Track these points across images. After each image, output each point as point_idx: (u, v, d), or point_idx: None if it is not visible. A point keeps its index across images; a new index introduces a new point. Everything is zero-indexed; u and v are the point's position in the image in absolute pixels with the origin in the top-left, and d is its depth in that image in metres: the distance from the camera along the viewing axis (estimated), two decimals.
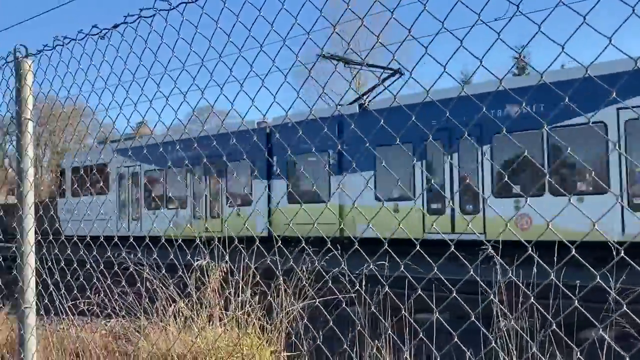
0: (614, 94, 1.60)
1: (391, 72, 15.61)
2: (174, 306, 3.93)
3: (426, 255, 2.36)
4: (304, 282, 3.93)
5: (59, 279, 3.57)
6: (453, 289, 2.01)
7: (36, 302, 2.90)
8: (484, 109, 2.00)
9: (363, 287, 3.57)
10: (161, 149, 3.00)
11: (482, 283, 2.26)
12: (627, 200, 11.04)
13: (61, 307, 3.77)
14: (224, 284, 4.12)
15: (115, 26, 2.42)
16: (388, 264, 3.31)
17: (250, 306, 4.03)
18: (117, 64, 2.65)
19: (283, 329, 3.92)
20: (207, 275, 4.10)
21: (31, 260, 2.82)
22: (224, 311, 4.04)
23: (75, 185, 17.59)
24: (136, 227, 19.23)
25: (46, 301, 3.49)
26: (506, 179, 11.67)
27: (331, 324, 2.61)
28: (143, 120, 3.25)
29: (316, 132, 2.97)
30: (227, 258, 4.12)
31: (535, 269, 2.48)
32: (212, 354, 3.71)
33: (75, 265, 3.63)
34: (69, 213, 15.02)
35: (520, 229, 11.23)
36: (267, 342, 3.94)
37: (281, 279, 3.94)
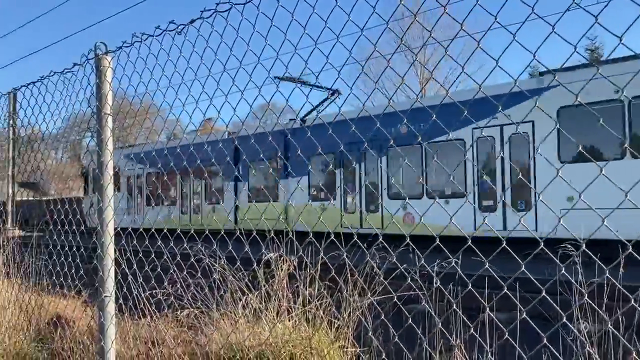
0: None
1: (332, 91, 18.05)
2: (245, 298, 3.98)
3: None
4: (375, 278, 3.89)
5: (136, 269, 3.68)
6: (504, 285, 1.94)
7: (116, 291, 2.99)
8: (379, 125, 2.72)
9: (436, 284, 3.51)
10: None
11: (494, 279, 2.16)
12: (478, 203, 13.95)
13: (138, 296, 3.89)
14: (293, 278, 4.14)
15: (192, 21, 2.46)
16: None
17: (318, 300, 4.04)
18: (193, 59, 2.69)
19: (351, 325, 3.90)
20: (276, 268, 4.13)
21: (111, 250, 2.91)
22: (292, 305, 4.07)
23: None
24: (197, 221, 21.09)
25: (125, 290, 3.62)
26: (395, 184, 15.47)
27: (409, 321, 2.55)
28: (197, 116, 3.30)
29: (267, 143, 3.35)
30: (295, 252, 4.15)
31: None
32: (281, 346, 3.74)
33: (138, 256, 3.75)
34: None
35: (406, 224, 13.97)
36: (335, 337, 3.94)
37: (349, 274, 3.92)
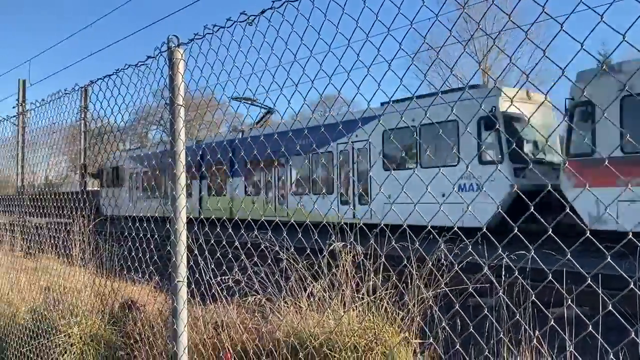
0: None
1: (267, 109, 21.47)
2: (311, 286, 4.03)
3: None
4: (440, 270, 3.85)
5: (207, 255, 3.79)
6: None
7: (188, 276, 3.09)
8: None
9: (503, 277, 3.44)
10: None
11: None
12: (339, 198, 20.15)
13: (207, 282, 4.01)
14: (358, 268, 4.15)
15: (263, 12, 2.49)
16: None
17: (381, 291, 4.04)
18: (264, 49, 2.73)
19: (417, 316, 3.88)
20: (340, 258, 4.15)
21: (183, 237, 3.00)
22: (356, 295, 4.09)
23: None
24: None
25: (197, 276, 3.74)
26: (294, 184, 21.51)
27: (483, 316, 2.51)
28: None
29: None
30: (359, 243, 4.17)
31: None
32: (346, 336, 3.77)
33: (204, 244, 3.86)
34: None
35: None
36: (398, 328, 3.93)
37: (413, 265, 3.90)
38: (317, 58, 2.50)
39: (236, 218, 3.87)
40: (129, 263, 4.87)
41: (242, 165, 20.37)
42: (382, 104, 14.46)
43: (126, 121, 4.43)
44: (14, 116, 6.04)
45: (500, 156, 14.91)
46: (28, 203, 6.10)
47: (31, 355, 4.88)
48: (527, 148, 15.59)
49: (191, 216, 3.35)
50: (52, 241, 5.63)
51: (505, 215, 2.31)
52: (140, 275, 5.10)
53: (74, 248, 5.98)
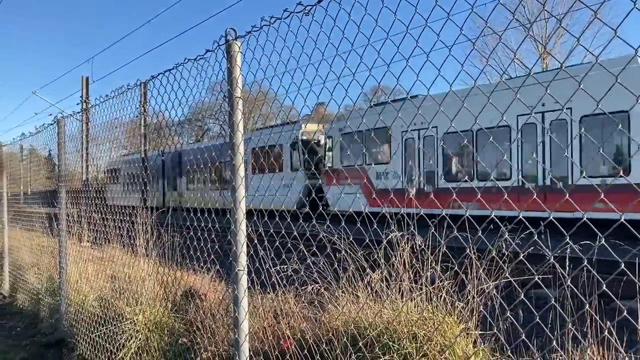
0: None
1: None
2: (368, 276, 4.03)
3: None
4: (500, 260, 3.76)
5: (267, 245, 3.84)
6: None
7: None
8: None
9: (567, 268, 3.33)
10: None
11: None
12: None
13: (266, 271, 4.07)
14: (416, 258, 4.12)
15: (320, 1, 2.49)
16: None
17: (440, 281, 3.99)
18: (320, 39, 2.73)
19: (476, 307, 3.82)
20: (397, 248, 4.13)
21: (243, 226, 3.05)
22: (414, 285, 4.06)
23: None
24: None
25: (257, 265, 3.80)
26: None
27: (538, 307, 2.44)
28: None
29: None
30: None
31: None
32: (403, 325, 3.75)
33: (259, 233, 3.91)
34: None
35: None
36: (458, 319, 3.88)
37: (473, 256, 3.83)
38: (374, 46, 2.49)
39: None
40: (191, 252, 5.00)
41: (184, 169, 30.10)
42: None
43: (186, 114, 4.55)
44: (79, 112, 6.29)
45: (299, 166, 24.37)
46: (94, 195, 6.35)
47: (100, 341, 5.09)
48: (314, 161, 22.93)
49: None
50: (117, 231, 5.84)
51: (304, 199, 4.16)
52: (201, 265, 5.23)
53: (137, 238, 6.19)
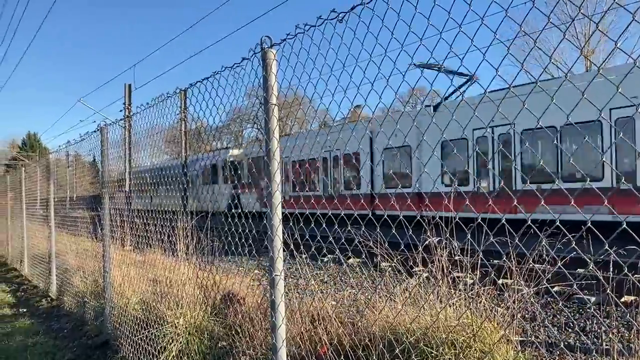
0: None
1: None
2: (406, 282, 4.00)
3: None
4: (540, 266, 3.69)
5: (303, 250, 3.87)
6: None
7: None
8: None
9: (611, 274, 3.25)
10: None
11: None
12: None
13: (303, 276, 4.09)
14: (453, 264, 4.08)
15: (353, 8, 2.50)
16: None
17: (478, 287, 3.95)
18: (354, 45, 2.74)
19: (516, 314, 3.76)
20: (435, 253, 4.09)
21: (280, 232, 3.08)
22: (452, 291, 4.02)
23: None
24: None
25: (294, 270, 3.84)
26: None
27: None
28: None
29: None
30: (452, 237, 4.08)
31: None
32: (442, 331, 3.71)
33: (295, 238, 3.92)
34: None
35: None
36: (497, 325, 3.82)
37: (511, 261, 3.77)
38: (407, 51, 2.48)
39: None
40: (229, 257, 5.06)
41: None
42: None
43: (223, 121, 4.63)
44: (121, 120, 6.46)
45: (229, 180, 30.44)
46: (136, 201, 6.50)
47: (142, 344, 5.20)
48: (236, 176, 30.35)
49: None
50: (158, 236, 5.96)
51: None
52: (239, 269, 5.29)
53: (178, 243, 6.31)
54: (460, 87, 18.07)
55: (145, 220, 5.95)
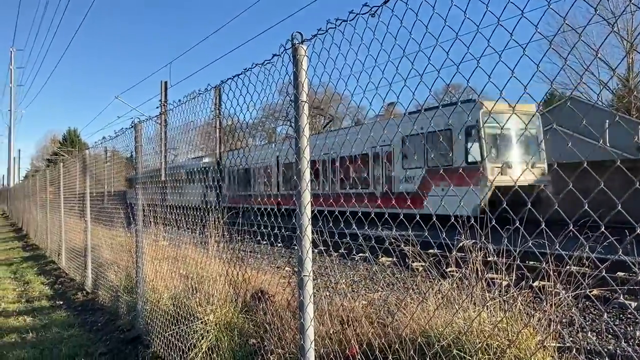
0: None
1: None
2: (439, 284, 3.90)
3: None
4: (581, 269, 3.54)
5: (332, 251, 3.80)
6: None
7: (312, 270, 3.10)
8: None
9: None
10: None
11: None
12: None
13: (332, 276, 4.03)
14: (488, 265, 3.95)
15: (386, 2, 2.42)
16: None
17: (514, 290, 3.82)
18: (387, 40, 2.66)
19: (554, 318, 3.61)
20: (470, 255, 3.98)
21: (309, 232, 3.02)
22: (486, 293, 3.90)
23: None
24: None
25: (323, 269, 3.77)
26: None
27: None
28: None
29: None
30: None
31: None
32: (476, 336, 3.60)
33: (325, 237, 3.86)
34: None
35: None
36: (534, 331, 3.68)
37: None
38: (443, 47, 2.39)
39: None
40: (259, 254, 5.04)
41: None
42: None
43: (254, 118, 4.56)
44: (155, 116, 6.49)
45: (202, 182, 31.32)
46: (170, 197, 6.54)
47: (172, 340, 5.22)
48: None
49: None
50: (191, 232, 5.98)
51: None
52: (269, 266, 5.26)
53: (209, 239, 6.32)
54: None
55: (177, 216, 5.98)
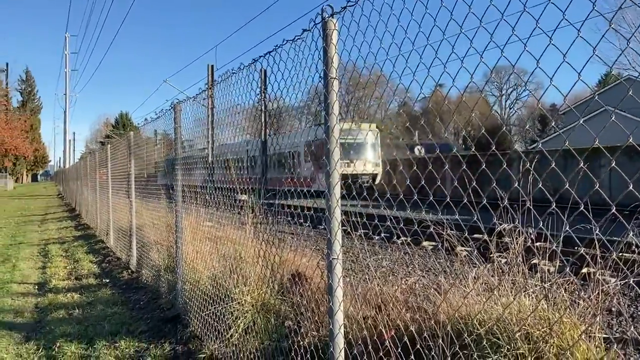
0: None
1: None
2: (476, 269, 3.74)
3: None
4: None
5: (361, 233, 3.69)
6: None
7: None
8: None
9: None
10: None
11: None
12: None
13: (364, 260, 3.92)
14: (529, 252, 3.76)
15: None
16: None
17: (560, 278, 3.62)
18: (417, 11, 2.50)
19: (599, 307, 3.41)
20: (511, 240, 3.79)
21: (337, 213, 2.92)
22: (528, 280, 3.72)
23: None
24: None
25: (354, 251, 3.68)
26: None
27: None
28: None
29: None
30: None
31: None
32: (515, 325, 3.44)
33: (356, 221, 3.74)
34: None
35: None
36: (578, 320, 3.49)
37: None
38: (487, 28, 2.22)
39: None
40: (295, 237, 4.97)
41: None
42: None
43: (299, 100, 4.41)
44: (192, 97, 6.48)
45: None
46: (217, 178, 6.56)
47: (209, 320, 5.25)
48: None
49: None
50: (230, 213, 5.97)
51: None
52: (305, 248, 5.20)
53: (248, 220, 6.31)
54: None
55: (216, 198, 5.98)
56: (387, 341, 3.47)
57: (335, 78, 2.96)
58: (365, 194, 3.37)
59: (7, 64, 62.70)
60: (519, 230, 3.73)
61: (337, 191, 2.92)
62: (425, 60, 2.61)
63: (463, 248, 4.41)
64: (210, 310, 5.29)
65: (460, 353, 3.14)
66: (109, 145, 13.09)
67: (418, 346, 3.30)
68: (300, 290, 5.18)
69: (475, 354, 3.23)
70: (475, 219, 2.84)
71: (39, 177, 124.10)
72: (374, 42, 2.87)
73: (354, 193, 3.66)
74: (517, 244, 3.74)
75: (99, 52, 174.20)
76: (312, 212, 4.30)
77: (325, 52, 2.99)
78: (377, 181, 28.98)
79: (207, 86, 6.13)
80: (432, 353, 3.31)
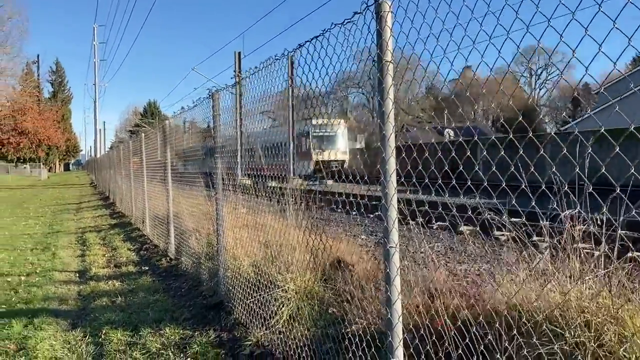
0: None
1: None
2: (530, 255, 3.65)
3: None
4: None
5: (419, 220, 3.63)
6: None
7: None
8: None
9: None
10: None
11: None
12: None
13: (417, 247, 3.86)
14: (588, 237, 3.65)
15: None
16: None
17: (621, 264, 3.51)
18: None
19: None
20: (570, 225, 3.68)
21: (394, 201, 2.86)
22: (584, 265, 3.62)
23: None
24: None
25: (408, 240, 3.62)
26: None
27: None
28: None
29: None
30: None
31: None
32: (572, 311, 3.35)
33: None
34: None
35: None
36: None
37: None
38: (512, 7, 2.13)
39: None
40: (338, 224, 4.93)
41: None
42: None
43: (330, 85, 4.33)
44: (231, 85, 6.45)
45: None
46: (247, 166, 6.55)
47: (254, 307, 5.26)
48: None
49: None
50: (269, 200, 5.96)
51: None
52: (346, 234, 5.16)
53: (288, 207, 6.29)
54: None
55: (256, 185, 5.97)
56: (444, 328, 3.42)
57: (390, 62, 2.89)
58: (337, 176, 3.39)
59: (37, 56, 63.82)
60: (577, 216, 3.62)
61: (393, 179, 2.86)
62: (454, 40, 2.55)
63: (506, 233, 4.31)
64: (254, 297, 5.30)
65: (520, 339, 3.08)
66: (142, 135, 13.21)
67: (473, 332, 3.24)
68: (345, 277, 5.15)
69: (535, 340, 3.16)
70: (515, 203, 2.75)
71: (71, 166, 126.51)
72: (434, 19, 2.79)
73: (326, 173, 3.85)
74: (574, 229, 3.63)
75: (127, 41, 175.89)
76: (342, 197, 4.22)
77: (379, 35, 2.91)
78: (344, 166, 34.06)
79: (247, 72, 6.05)
80: (486, 340, 3.24)
